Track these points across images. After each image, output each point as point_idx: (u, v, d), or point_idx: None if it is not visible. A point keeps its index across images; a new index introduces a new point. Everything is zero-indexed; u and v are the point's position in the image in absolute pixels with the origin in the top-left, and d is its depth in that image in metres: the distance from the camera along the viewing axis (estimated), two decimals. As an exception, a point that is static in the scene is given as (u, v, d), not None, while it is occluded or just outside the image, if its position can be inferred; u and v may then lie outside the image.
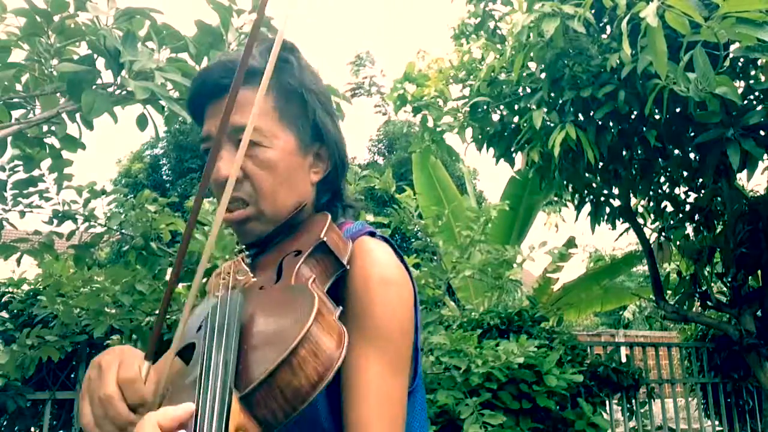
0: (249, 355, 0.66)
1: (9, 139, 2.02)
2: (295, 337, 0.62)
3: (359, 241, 0.87)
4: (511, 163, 4.75)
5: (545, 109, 3.91)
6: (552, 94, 3.94)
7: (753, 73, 3.80)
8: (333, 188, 0.97)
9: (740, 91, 3.46)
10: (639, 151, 4.38)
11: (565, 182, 4.84)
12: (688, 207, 5.26)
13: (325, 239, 0.82)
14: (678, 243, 5.41)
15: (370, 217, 3.30)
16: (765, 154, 3.69)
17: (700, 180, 4.89)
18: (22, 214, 2.51)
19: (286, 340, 0.62)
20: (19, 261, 2.66)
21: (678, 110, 3.76)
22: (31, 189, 2.46)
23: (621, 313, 16.28)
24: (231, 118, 0.84)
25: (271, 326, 0.69)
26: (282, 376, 0.61)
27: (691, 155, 4.46)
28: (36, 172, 2.40)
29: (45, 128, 2.13)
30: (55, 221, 2.72)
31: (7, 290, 4.52)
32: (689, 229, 5.38)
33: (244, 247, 0.93)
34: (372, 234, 0.91)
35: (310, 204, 0.94)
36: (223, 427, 0.58)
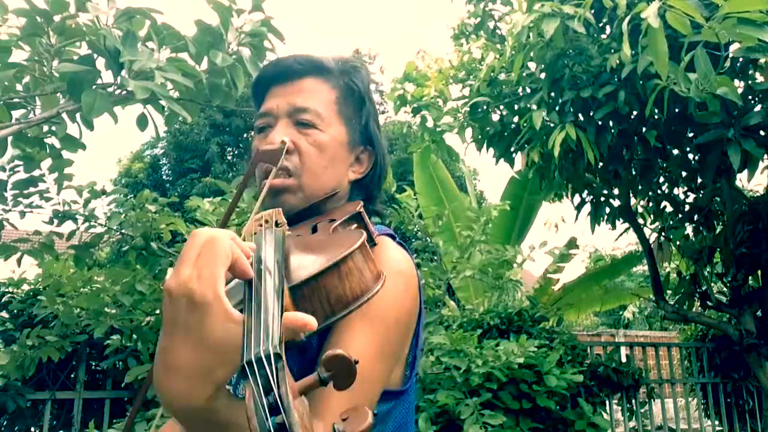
0: (295, 262, 0.68)
1: (9, 139, 2.02)
2: (344, 250, 0.66)
3: (380, 237, 0.91)
4: (511, 163, 4.75)
5: (545, 110, 3.91)
6: (552, 95, 3.94)
7: (752, 72, 3.80)
8: (367, 192, 1.03)
9: (740, 91, 3.46)
10: (639, 151, 4.38)
11: (565, 182, 4.84)
12: (687, 207, 5.26)
13: (361, 211, 0.87)
14: (678, 243, 5.41)
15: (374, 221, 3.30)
16: (765, 155, 3.69)
17: (700, 180, 4.89)
18: (23, 214, 2.52)
19: (336, 252, 0.66)
20: (19, 261, 2.66)
21: (678, 110, 3.76)
22: (32, 189, 2.47)
23: (621, 313, 16.28)
24: (293, 99, 0.94)
25: (317, 250, 0.72)
26: (329, 279, 0.64)
27: (691, 155, 4.46)
28: (36, 172, 2.41)
29: (45, 128, 2.13)
30: (56, 221, 2.72)
31: (7, 290, 4.52)
32: (689, 229, 5.37)
33: None
34: (392, 237, 0.95)
35: (342, 196, 1.00)
36: (280, 297, 0.59)
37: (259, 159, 0.91)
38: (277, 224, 0.78)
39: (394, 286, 0.82)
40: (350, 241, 0.69)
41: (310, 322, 0.58)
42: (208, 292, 0.58)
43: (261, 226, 0.77)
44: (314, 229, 0.85)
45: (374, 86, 20.78)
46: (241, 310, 0.59)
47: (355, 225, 0.86)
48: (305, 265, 0.67)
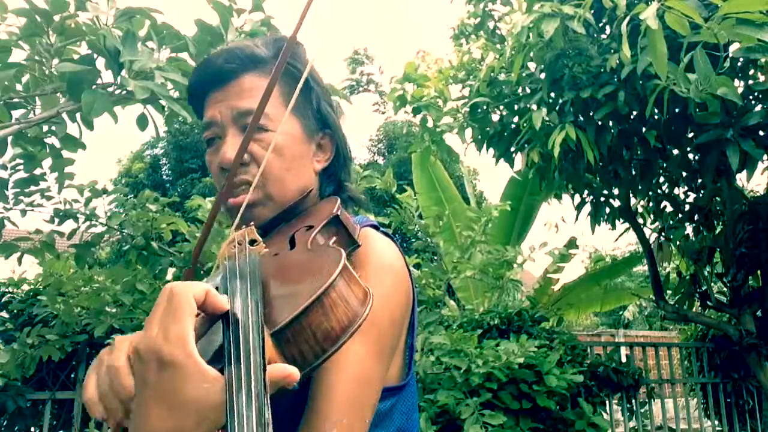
0: (275, 301, 0.64)
1: (9, 138, 2.03)
2: (325, 280, 0.61)
3: (363, 230, 0.87)
4: (511, 163, 4.75)
5: (545, 110, 3.91)
6: (552, 95, 3.95)
7: (752, 72, 3.80)
8: (336, 179, 0.98)
9: (739, 91, 3.46)
10: (639, 152, 4.38)
11: (565, 182, 4.84)
12: (687, 207, 5.26)
13: (338, 214, 0.82)
14: (678, 243, 5.41)
15: (371, 217, 3.30)
16: (764, 155, 3.70)
17: (700, 180, 4.89)
18: (24, 212, 2.52)
19: (317, 284, 0.61)
20: (20, 260, 2.66)
21: (678, 111, 3.76)
22: (33, 188, 2.47)
23: (621, 313, 16.29)
24: (235, 102, 0.86)
25: (297, 276, 0.68)
26: (313, 316, 0.60)
27: (691, 155, 4.46)
28: (37, 171, 2.41)
29: (45, 128, 2.13)
30: (56, 220, 2.72)
31: (7, 290, 4.52)
32: (689, 229, 5.38)
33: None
34: (375, 227, 0.92)
35: (314, 192, 0.95)
36: (261, 352, 0.55)
37: (230, 212, 0.85)
38: (252, 243, 0.74)
39: (382, 282, 0.80)
40: (330, 267, 0.64)
41: (292, 373, 0.56)
42: (176, 351, 0.54)
43: (233, 248, 0.73)
44: (292, 242, 0.80)
45: (374, 86, 20.85)
46: (220, 368, 0.56)
47: (335, 229, 0.81)
48: (285, 301, 0.63)
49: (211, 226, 0.80)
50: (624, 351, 6.90)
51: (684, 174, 4.84)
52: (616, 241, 15.64)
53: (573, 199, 5.16)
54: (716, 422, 5.90)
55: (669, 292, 5.63)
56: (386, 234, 0.91)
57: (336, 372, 0.74)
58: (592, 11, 3.48)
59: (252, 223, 0.85)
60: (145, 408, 0.55)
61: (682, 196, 5.28)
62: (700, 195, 5.08)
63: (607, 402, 5.20)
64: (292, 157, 0.90)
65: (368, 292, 0.67)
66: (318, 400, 0.74)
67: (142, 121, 2.03)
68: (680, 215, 5.28)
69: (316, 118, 0.94)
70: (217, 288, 0.66)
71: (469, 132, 4.52)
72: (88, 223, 2.82)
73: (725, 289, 5.58)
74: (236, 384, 0.52)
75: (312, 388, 0.75)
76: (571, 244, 6.30)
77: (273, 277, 0.69)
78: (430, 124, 4.53)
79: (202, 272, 2.68)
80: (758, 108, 3.63)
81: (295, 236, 0.80)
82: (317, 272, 0.65)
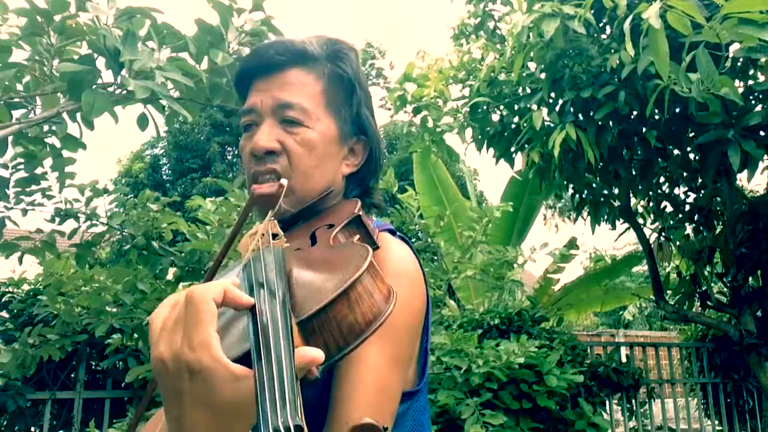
0: (301, 293, 0.64)
1: (10, 138, 2.03)
2: (352, 274, 0.62)
3: (380, 234, 0.87)
4: (511, 163, 4.75)
5: (545, 110, 3.91)
6: (552, 95, 3.94)
7: (752, 72, 3.80)
8: (363, 185, 0.99)
9: (740, 91, 3.46)
10: (639, 151, 4.38)
11: (565, 182, 4.84)
12: (688, 207, 5.26)
13: (360, 214, 0.83)
14: (678, 243, 5.41)
15: (372, 218, 3.30)
16: (765, 155, 3.70)
17: (700, 180, 4.89)
18: (25, 212, 2.52)
19: (343, 277, 0.62)
20: (20, 259, 2.66)
21: (678, 111, 3.76)
22: (34, 187, 2.47)
23: (621, 313, 16.29)
24: (277, 93, 0.88)
25: (322, 270, 0.68)
26: (339, 308, 0.60)
27: (692, 156, 4.46)
28: (39, 170, 2.41)
29: (46, 128, 2.13)
30: (57, 219, 2.72)
31: (7, 290, 4.52)
32: (689, 229, 5.38)
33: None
34: (392, 232, 0.92)
35: (337, 193, 0.95)
36: (290, 339, 0.55)
37: (255, 203, 0.84)
38: (274, 237, 0.74)
39: (400, 288, 0.79)
40: (357, 261, 0.65)
41: (317, 356, 0.56)
42: (204, 357, 0.55)
43: (257, 240, 0.72)
44: (313, 238, 0.80)
45: (382, 81, 20.74)
46: (248, 360, 0.55)
47: (355, 229, 0.82)
48: (311, 293, 0.63)
49: (243, 222, 0.79)
50: (624, 351, 6.89)
51: (684, 174, 4.84)
52: (616, 240, 15.64)
53: (573, 199, 5.16)
54: (716, 422, 5.90)
55: (669, 292, 5.63)
56: (402, 239, 0.92)
57: (355, 382, 0.75)
58: (593, 11, 3.48)
59: (270, 216, 0.85)
60: (184, 412, 0.56)
61: (682, 196, 5.28)
62: (701, 195, 5.08)
63: (607, 402, 5.20)
64: (322, 156, 0.90)
65: (392, 290, 0.67)
66: (337, 410, 0.74)
67: (142, 121, 2.03)
68: (680, 215, 5.28)
69: (353, 123, 0.95)
70: (239, 282, 0.65)
71: (469, 132, 4.52)
72: (88, 222, 2.83)
73: (725, 289, 5.57)
74: (267, 375, 0.52)
75: (331, 398, 0.76)
76: (572, 244, 6.30)
77: (297, 271, 0.69)
78: (430, 123, 4.53)
79: (202, 272, 2.68)
80: (759, 108, 3.63)
81: (316, 233, 0.81)
82: (343, 266, 0.65)
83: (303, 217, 0.90)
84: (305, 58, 0.91)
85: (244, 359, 0.56)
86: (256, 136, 0.89)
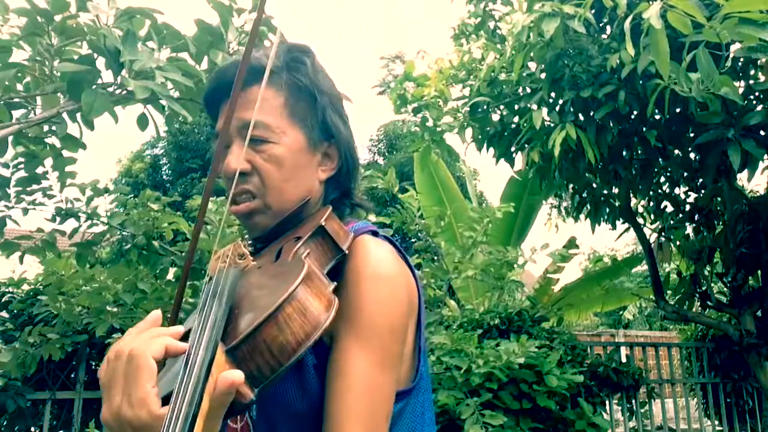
0: (239, 317, 0.67)
1: (10, 138, 2.03)
2: (281, 295, 0.63)
3: (359, 238, 0.88)
4: (511, 163, 4.75)
5: (545, 109, 3.91)
6: (552, 94, 3.94)
7: (753, 72, 3.80)
8: (342, 187, 1.00)
9: (740, 91, 3.46)
10: (639, 151, 4.38)
11: (565, 182, 4.84)
12: (688, 207, 5.26)
13: (323, 224, 0.84)
14: (678, 243, 5.41)
15: (372, 218, 3.30)
16: (765, 155, 3.69)
17: (701, 180, 4.89)
18: (25, 211, 2.52)
19: (274, 299, 0.64)
20: (21, 259, 2.66)
21: (678, 110, 3.76)
22: (35, 186, 2.47)
23: (621, 313, 16.29)
24: (241, 114, 0.88)
25: (262, 292, 0.71)
26: (268, 331, 0.62)
27: (692, 155, 4.46)
28: (39, 170, 2.41)
29: (46, 128, 2.13)
30: (58, 219, 2.72)
31: (7, 290, 4.52)
32: (689, 229, 5.38)
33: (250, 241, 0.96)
34: (375, 233, 0.92)
35: (316, 200, 0.96)
36: (204, 373, 0.58)
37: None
38: (242, 256, 0.78)
39: (378, 292, 0.81)
40: (291, 279, 0.66)
41: (235, 378, 0.59)
42: (142, 414, 0.58)
43: (223, 262, 0.77)
44: (278, 254, 0.82)
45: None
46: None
47: (321, 239, 0.83)
48: (248, 317, 0.65)
49: (202, 220, 0.83)
50: (624, 351, 6.90)
51: (684, 174, 4.84)
52: (616, 241, 15.65)
53: (573, 199, 5.16)
54: (716, 422, 5.90)
55: (669, 292, 5.62)
56: (387, 238, 0.92)
57: (344, 391, 0.76)
58: (593, 11, 3.48)
59: (250, 232, 0.91)
60: None
61: (682, 196, 5.28)
62: (701, 195, 5.08)
63: (607, 402, 5.20)
64: (292, 168, 0.92)
65: (333, 300, 0.69)
66: (332, 419, 0.75)
67: (142, 121, 2.03)
68: (680, 215, 5.28)
69: (321, 128, 0.95)
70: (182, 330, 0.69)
71: (469, 132, 4.52)
72: (89, 222, 2.82)
73: (725, 289, 5.57)
74: (173, 408, 0.56)
75: (325, 407, 0.77)
76: (571, 244, 6.30)
77: (248, 292, 0.72)
78: (430, 123, 4.53)
79: (202, 272, 2.68)
80: (759, 108, 3.63)
81: (283, 248, 0.82)
82: (278, 287, 0.67)
83: (285, 228, 0.92)
84: (263, 74, 0.91)
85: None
86: (227, 159, 0.90)
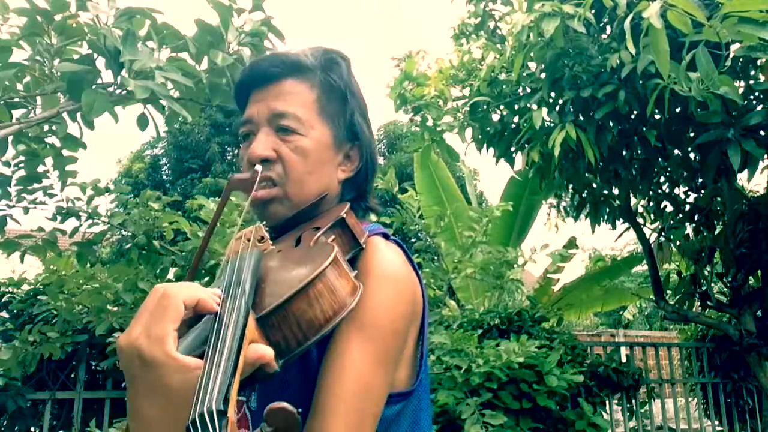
0: (264, 292, 0.68)
1: (10, 138, 2.03)
2: (313, 271, 0.65)
3: (371, 239, 0.90)
4: (511, 163, 4.75)
5: (545, 109, 3.90)
6: (552, 94, 3.94)
7: (752, 73, 3.80)
8: (359, 189, 1.02)
9: (740, 91, 3.46)
10: (639, 151, 4.38)
11: (565, 182, 4.84)
12: (688, 207, 5.26)
13: (345, 216, 0.86)
14: (678, 243, 5.41)
15: (372, 217, 3.31)
16: (765, 155, 3.69)
17: (700, 180, 4.89)
18: (26, 210, 2.52)
19: (305, 274, 0.66)
20: (22, 258, 2.66)
21: (678, 110, 3.76)
22: (35, 185, 2.47)
23: (621, 313, 16.29)
24: (273, 104, 0.92)
25: (289, 270, 0.72)
26: (298, 305, 0.64)
27: (692, 155, 4.46)
28: (41, 169, 2.41)
29: (46, 128, 2.13)
30: (59, 218, 2.72)
31: (7, 290, 4.52)
32: (689, 229, 5.37)
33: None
34: (385, 236, 0.94)
35: (332, 197, 0.98)
36: (239, 333, 0.59)
37: (232, 187, 0.89)
38: (261, 240, 0.79)
39: (384, 291, 0.82)
40: (320, 259, 0.68)
41: (265, 353, 0.59)
42: (155, 349, 0.58)
43: (242, 243, 0.78)
44: (298, 240, 0.84)
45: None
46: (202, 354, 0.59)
47: (340, 231, 0.85)
48: (276, 290, 0.66)
49: (216, 222, 0.84)
50: (624, 351, 6.89)
51: (684, 174, 4.84)
52: (616, 241, 15.65)
53: (573, 199, 5.16)
54: (716, 422, 5.90)
55: (669, 292, 5.62)
56: (396, 242, 0.93)
57: (337, 384, 0.77)
58: (593, 11, 3.48)
59: (264, 222, 0.92)
60: (137, 397, 0.60)
61: (682, 196, 5.28)
62: (701, 195, 5.08)
63: (607, 402, 5.19)
64: (317, 162, 0.94)
65: (358, 286, 0.71)
66: (319, 412, 0.76)
67: (142, 121, 2.03)
68: (680, 215, 5.28)
69: (347, 129, 0.98)
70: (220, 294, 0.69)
71: (469, 132, 4.52)
72: (90, 221, 2.83)
73: (725, 289, 5.57)
74: (209, 364, 0.55)
75: (314, 398, 0.77)
76: (571, 243, 6.30)
77: (272, 271, 0.73)
78: (430, 123, 4.53)
79: (203, 270, 2.68)
80: (759, 108, 3.63)
81: (302, 236, 0.84)
82: (308, 264, 0.69)
83: (299, 221, 0.93)
84: (299, 69, 0.95)
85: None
86: (253, 145, 0.92)
